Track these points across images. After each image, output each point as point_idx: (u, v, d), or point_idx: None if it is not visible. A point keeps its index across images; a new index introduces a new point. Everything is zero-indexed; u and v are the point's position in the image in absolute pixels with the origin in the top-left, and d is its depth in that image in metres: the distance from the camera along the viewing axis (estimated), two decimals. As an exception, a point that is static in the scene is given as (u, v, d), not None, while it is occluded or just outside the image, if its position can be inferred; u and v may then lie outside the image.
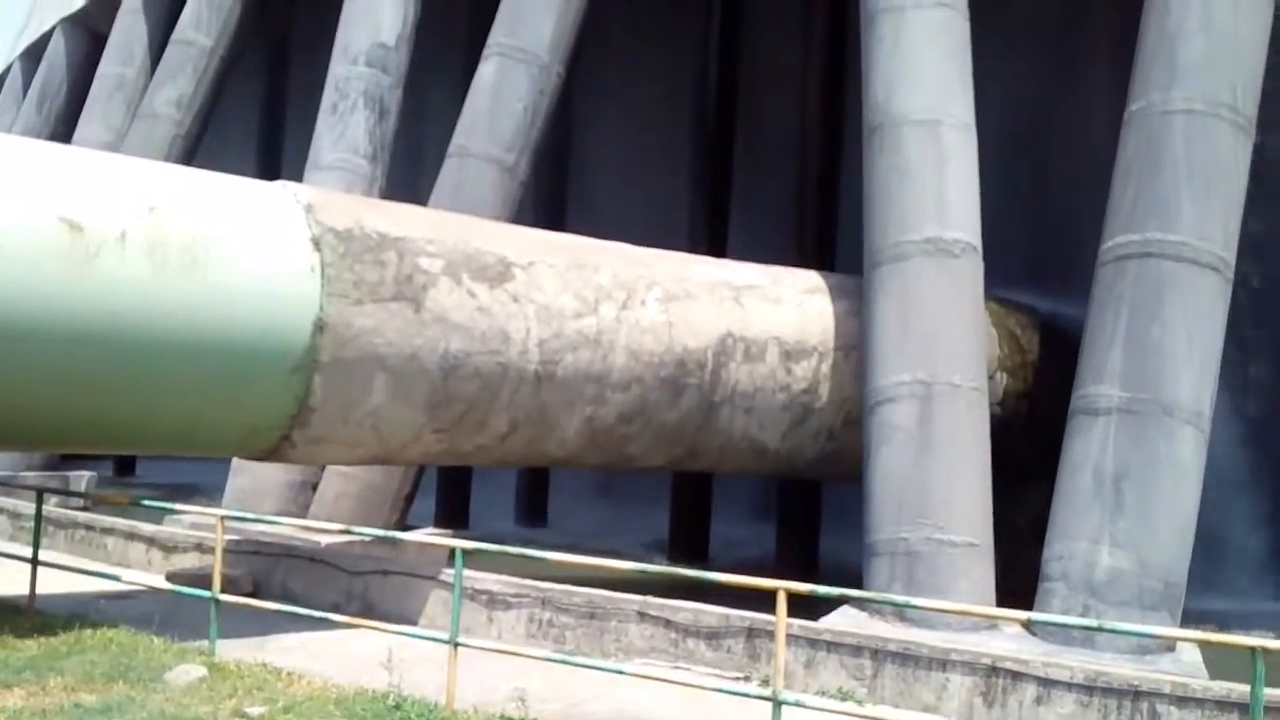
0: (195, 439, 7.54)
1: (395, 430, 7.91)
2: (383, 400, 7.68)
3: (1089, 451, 8.00)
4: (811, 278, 10.43)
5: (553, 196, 16.84)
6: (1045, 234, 13.43)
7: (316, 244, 7.43)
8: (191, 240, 7.02)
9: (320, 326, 7.32)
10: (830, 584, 8.06)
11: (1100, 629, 6.31)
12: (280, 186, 7.84)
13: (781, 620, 5.11)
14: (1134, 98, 8.75)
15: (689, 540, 13.86)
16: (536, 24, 12.01)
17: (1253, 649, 4.41)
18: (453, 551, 6.53)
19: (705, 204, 14.37)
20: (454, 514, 15.65)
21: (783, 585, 5.13)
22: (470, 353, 7.98)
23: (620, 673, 6.11)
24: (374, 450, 8.08)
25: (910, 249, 8.93)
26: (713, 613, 7.33)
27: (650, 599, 7.62)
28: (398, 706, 6.04)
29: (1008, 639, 7.88)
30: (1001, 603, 8.47)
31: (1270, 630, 10.69)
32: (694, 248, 13.07)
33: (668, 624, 7.49)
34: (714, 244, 13.61)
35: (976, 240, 9.11)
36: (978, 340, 8.94)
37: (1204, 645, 5.18)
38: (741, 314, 9.65)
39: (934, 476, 8.38)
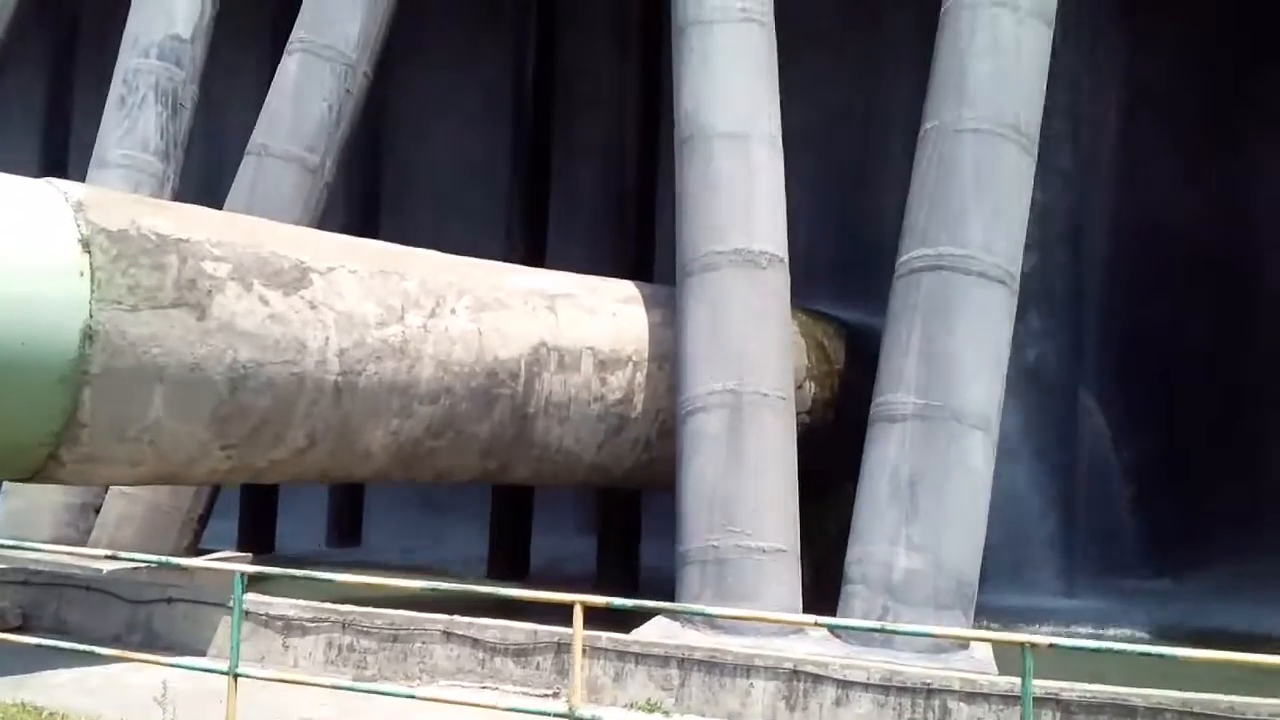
0: (-59, 459, 6.80)
1: (177, 447, 7.37)
2: (162, 414, 7.13)
3: (886, 457, 8.25)
4: (627, 288, 10.41)
5: (366, 201, 16.34)
6: (852, 247, 13.95)
7: (86, 245, 6.83)
8: (-61, 240, 6.33)
9: (89, 335, 6.73)
10: (651, 595, 8.08)
11: (883, 630, 6.48)
12: (45, 183, 7.19)
13: (578, 635, 4.98)
14: (928, 116, 9.13)
15: (509, 556, 13.62)
16: (342, 21, 11.54)
17: (1022, 645, 4.58)
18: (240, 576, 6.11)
19: (523, 212, 14.20)
20: (258, 536, 14.87)
21: (579, 599, 5.00)
22: (262, 363, 7.53)
23: (413, 697, 5.84)
24: (155, 469, 7.50)
25: (719, 259, 9.02)
26: (519, 629, 7.13)
27: (456, 618, 7.35)
28: (169, 746, 5.59)
29: (813, 643, 8.01)
30: (814, 607, 8.63)
31: (1057, 625, 11.38)
32: (511, 257, 12.89)
33: (474, 643, 7.24)
34: (532, 253, 13.48)
35: (783, 252, 9.29)
36: (784, 350, 9.11)
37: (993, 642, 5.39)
38: (555, 323, 9.52)
39: (743, 484, 8.47)
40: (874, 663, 6.49)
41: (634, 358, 9.90)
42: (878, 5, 14.14)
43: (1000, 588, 11.77)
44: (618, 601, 5.26)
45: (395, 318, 8.39)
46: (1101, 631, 11.14)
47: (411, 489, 17.03)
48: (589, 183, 14.65)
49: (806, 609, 8.73)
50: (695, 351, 8.95)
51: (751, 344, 8.79)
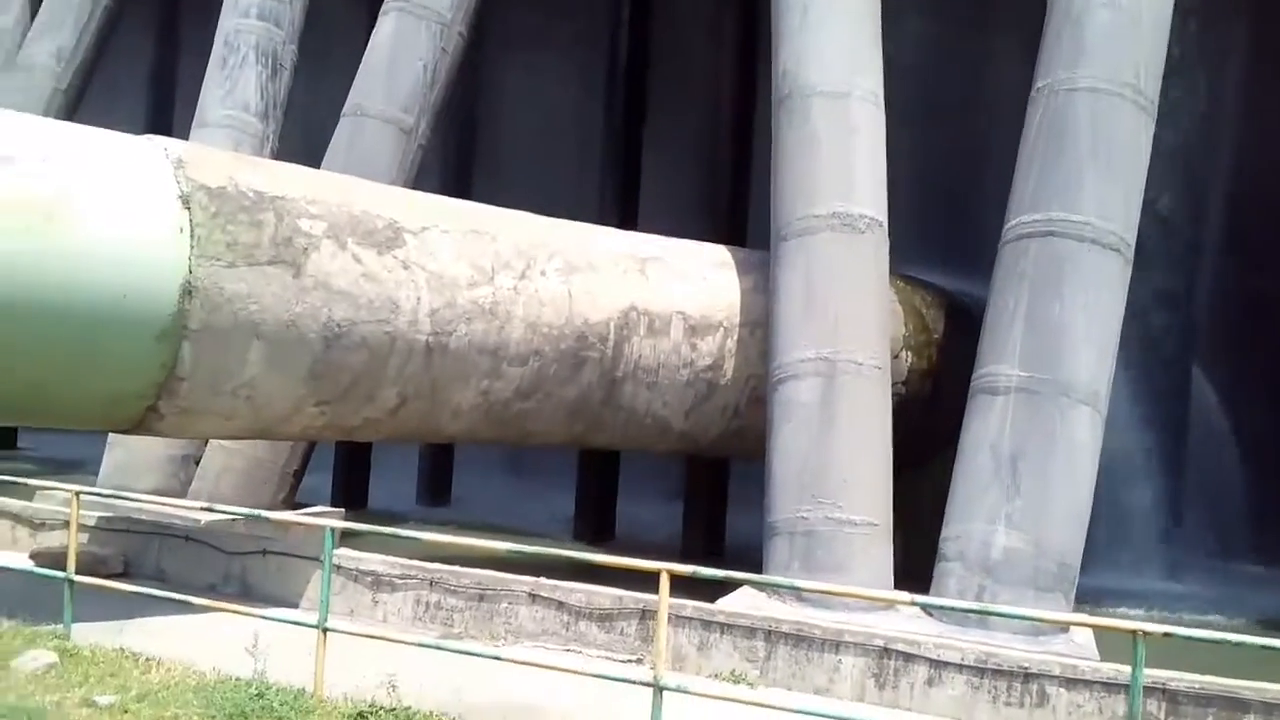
0: (48, 408, 7.00)
1: (272, 402, 7.46)
2: (258, 370, 7.22)
3: (987, 431, 7.94)
4: (719, 252, 10.21)
5: (460, 163, 16.36)
6: (955, 213, 13.45)
7: (186, 202, 6.92)
8: (49, 196, 6.47)
9: (189, 291, 6.83)
10: (737, 565, 7.98)
11: (980, 611, 6.22)
12: (147, 140, 7.29)
13: (664, 603, 4.88)
14: (1039, 75, 8.67)
15: (595, 520, 13.63)
16: (440, -20, 11.51)
17: (1134, 632, 4.32)
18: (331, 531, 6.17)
19: (616, 175, 14.03)
20: (351, 492, 15.15)
21: (665, 566, 4.89)
22: (355, 321, 7.56)
23: (498, 659, 5.82)
24: (250, 423, 7.62)
25: (816, 223, 8.75)
26: (605, 594, 7.08)
27: (542, 580, 7.34)
28: (260, 694, 5.68)
29: (904, 620, 7.79)
30: (905, 583, 8.41)
31: (1160, 608, 10.91)
32: (604, 220, 12.75)
33: (560, 606, 7.22)
34: (624, 216, 13.33)
35: (883, 216, 8.97)
36: (882, 318, 8.82)
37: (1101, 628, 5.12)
38: (646, 287, 9.39)
39: (835, 455, 8.25)
40: (969, 643, 6.25)
41: (725, 323, 9.72)
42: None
43: (1101, 568, 11.34)
44: (705, 571, 5.15)
45: (486, 279, 8.35)
46: (1208, 619, 10.64)
47: (500, 452, 17.19)
48: (683, 146, 14.39)
49: (898, 585, 8.49)
50: (788, 318, 8.72)
51: (847, 311, 8.52)
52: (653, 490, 14.43)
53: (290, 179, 7.72)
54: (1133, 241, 8.26)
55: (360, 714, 5.57)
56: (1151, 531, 12.67)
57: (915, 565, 8.51)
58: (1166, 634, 4.38)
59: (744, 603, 7.85)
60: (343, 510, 11.57)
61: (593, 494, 13.65)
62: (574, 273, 8.95)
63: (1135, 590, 11.44)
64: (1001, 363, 8.07)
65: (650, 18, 14.24)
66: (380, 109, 11.23)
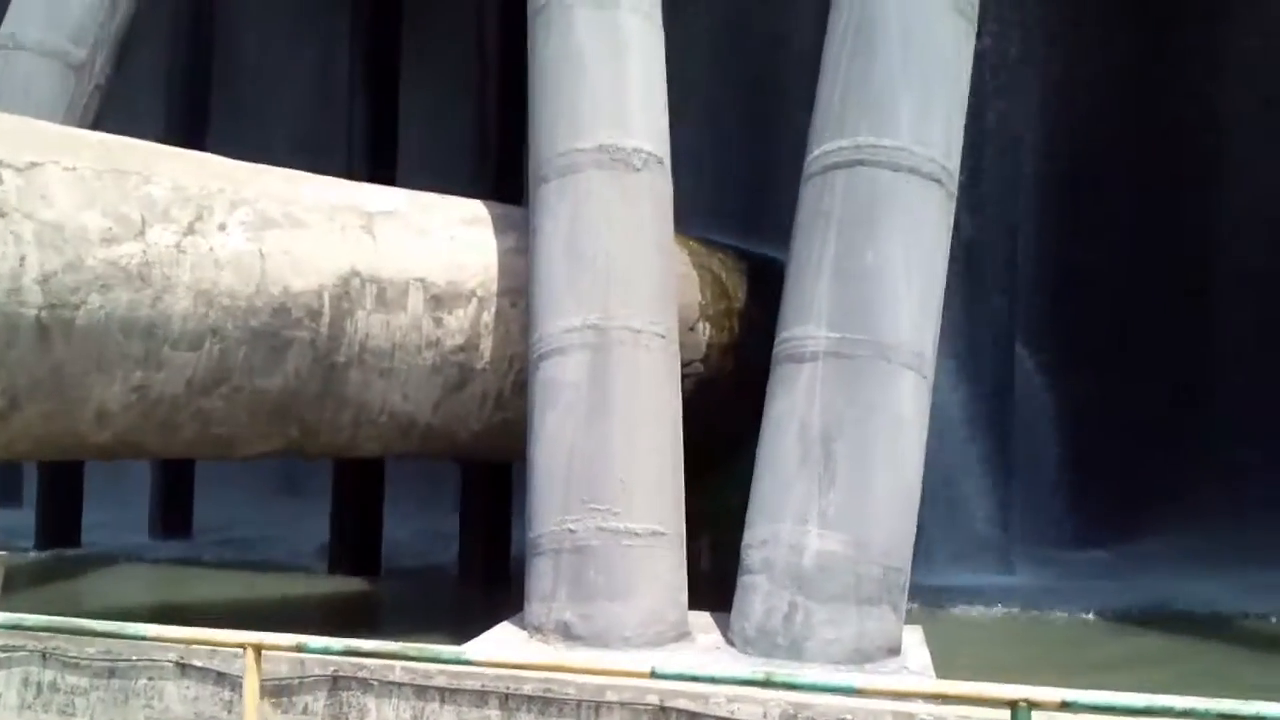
0: None
1: None
2: None
3: (792, 408, 6.35)
4: (472, 206, 8.29)
5: (189, 118, 13.80)
6: (764, 175, 12.03)
7: None
8: None
9: None
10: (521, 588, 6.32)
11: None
12: None
13: (252, 682, 2.98)
14: (842, -23, 7.22)
15: (354, 546, 11.44)
16: (116, -117, 9.19)
17: (1013, 703, 2.70)
18: None
19: (366, 137, 11.87)
20: (61, 527, 12.43)
21: (255, 640, 3.00)
22: (-92, 288, 5.28)
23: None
24: None
25: (580, 159, 6.96)
26: (283, 659, 5.04)
27: (198, 645, 5.23)
28: None
29: (700, 653, 6.12)
30: (713, 601, 6.78)
31: (1002, 605, 9.74)
32: (353, 174, 10.66)
33: (219, 677, 5.13)
34: (380, 171, 11.19)
35: (664, 152, 7.26)
36: (665, 275, 7.10)
37: (953, 698, 3.51)
38: (373, 248, 7.38)
39: (609, 448, 6.47)
40: (774, 694, 4.56)
41: (479, 292, 7.81)
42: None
43: (929, 562, 10.12)
44: (313, 640, 3.25)
45: (133, 233, 6.17)
46: (1051, 616, 9.50)
47: (272, 467, 14.79)
48: (448, 90, 12.40)
49: (704, 604, 6.86)
50: (549, 278, 6.90)
51: (620, 266, 6.77)
52: (441, 501, 12.38)
53: None
54: (956, 170, 6.86)
55: None
56: (979, 520, 11.58)
57: (725, 577, 6.86)
58: (1063, 704, 2.80)
59: (494, 646, 6.00)
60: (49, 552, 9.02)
61: (351, 514, 11.47)
62: (269, 228, 6.86)
63: (968, 586, 10.23)
64: (807, 323, 6.49)
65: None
66: (39, 39, 8.82)
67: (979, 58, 7.51)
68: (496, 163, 10.99)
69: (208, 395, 6.67)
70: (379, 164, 11.45)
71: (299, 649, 3.28)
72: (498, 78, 11.05)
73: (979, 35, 7.33)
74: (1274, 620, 9.38)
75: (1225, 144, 13.30)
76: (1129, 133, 13.80)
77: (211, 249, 6.51)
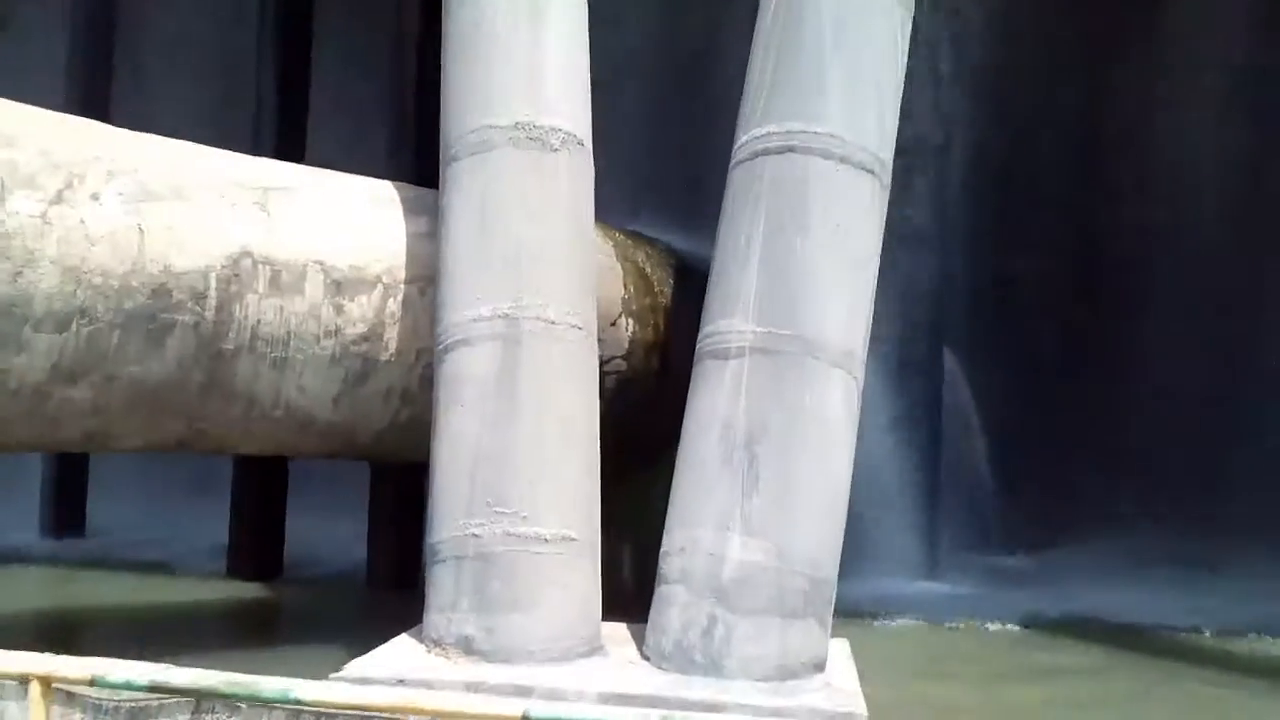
0: None
1: None
2: None
3: (715, 407, 5.95)
4: (379, 187, 7.75)
5: (89, 75, 12.98)
6: (695, 167, 11.64)
7: None
8: None
9: None
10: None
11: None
12: None
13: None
14: (774, -42, 6.86)
15: (255, 548, 10.78)
16: None
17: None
18: None
19: (275, 115, 11.20)
20: (-66, 524, 11.55)
21: (42, 673, 2.49)
22: None
23: None
24: None
25: (494, 136, 6.48)
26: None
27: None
28: None
29: (614, 669, 5.70)
30: (631, 611, 6.36)
31: (924, 617, 9.51)
32: (259, 150, 10.02)
33: (69, 698, 4.53)
34: (287, 147, 10.55)
35: (584, 133, 6.82)
36: (583, 262, 6.65)
37: None
38: (267, 227, 6.81)
39: (518, 447, 6.01)
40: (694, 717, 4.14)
41: (384, 278, 7.29)
42: None
43: (852, 569, 9.86)
44: (116, 673, 2.74)
45: (-12, 200, 5.55)
46: (982, 627, 9.28)
47: (187, 461, 14.01)
48: (361, 78, 11.82)
49: (625, 615, 6.45)
50: (456, 263, 6.42)
51: (534, 251, 6.31)
52: (336, 499, 11.75)
53: None
54: (889, 161, 6.53)
55: None
56: (905, 525, 11.34)
57: (648, 586, 6.45)
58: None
59: (388, 663, 5.50)
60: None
61: (250, 512, 10.81)
62: (149, 200, 6.26)
63: (894, 595, 9.97)
64: (733, 316, 6.11)
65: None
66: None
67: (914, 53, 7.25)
68: (415, 142, 10.42)
69: (74, 383, 6.05)
70: (287, 140, 10.81)
71: (93, 683, 2.76)
72: (415, 51, 10.48)
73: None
74: (1208, 634, 9.30)
75: (1161, 150, 13.31)
76: (1064, 135, 13.74)
77: (82, 221, 5.91)
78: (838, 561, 5.96)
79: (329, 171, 7.62)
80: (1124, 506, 13.14)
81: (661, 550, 6.04)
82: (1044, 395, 13.53)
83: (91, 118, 6.98)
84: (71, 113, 6.99)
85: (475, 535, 5.86)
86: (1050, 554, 12.56)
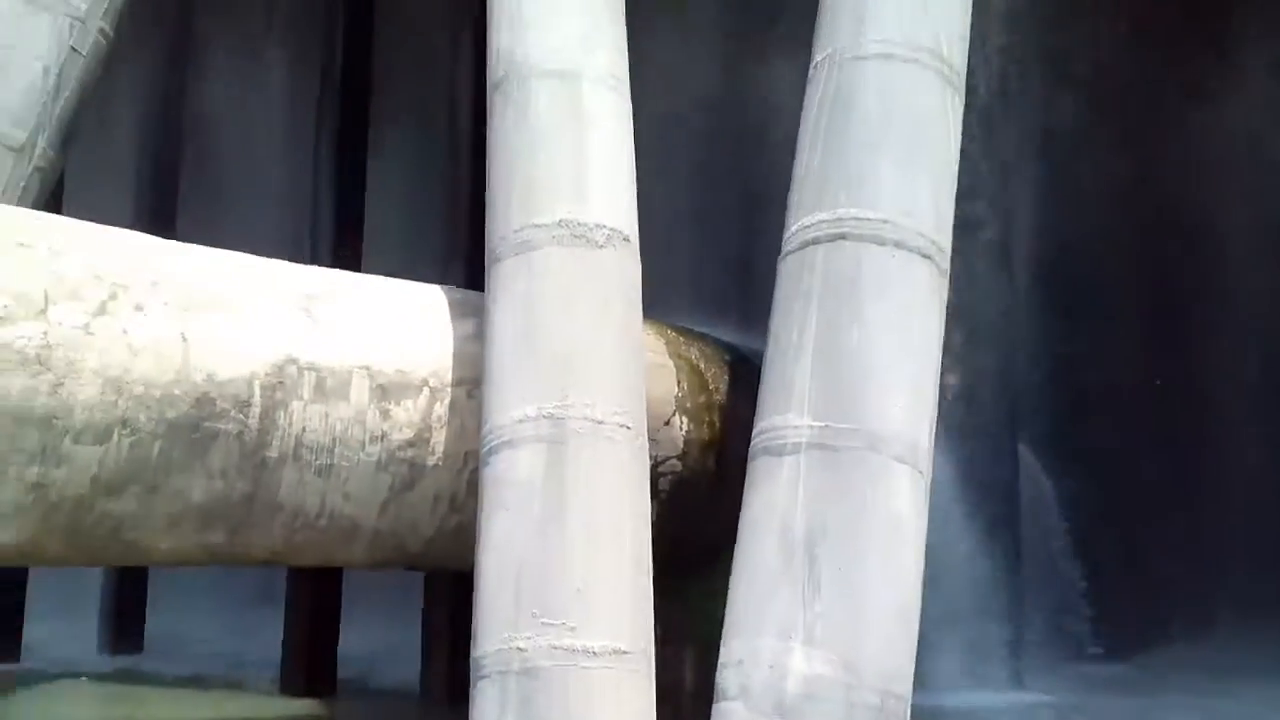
0: None
1: None
2: None
3: (773, 506, 5.63)
4: (428, 291, 7.67)
5: (159, 200, 13.44)
6: (747, 259, 11.53)
7: None
8: None
9: None
10: None
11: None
12: None
13: None
14: (818, 48, 6.73)
15: (311, 661, 10.53)
16: (69, -39, 8.89)
17: None
18: None
19: (333, 219, 11.39)
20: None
21: None
22: None
23: None
24: None
25: (538, 235, 6.39)
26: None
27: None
28: None
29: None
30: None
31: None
32: (317, 255, 10.15)
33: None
34: (344, 251, 10.68)
35: (630, 229, 6.70)
36: (632, 360, 6.44)
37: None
38: (313, 332, 6.74)
39: (566, 554, 5.72)
40: None
41: (431, 382, 7.14)
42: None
43: (929, 679, 9.25)
44: None
45: (32, 312, 5.55)
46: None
47: (246, 573, 13.93)
48: (416, 183, 12.03)
49: (681, 729, 6.05)
50: (502, 362, 6.26)
51: (581, 349, 6.13)
52: (392, 611, 11.49)
53: None
54: (947, 246, 6.28)
55: None
56: (988, 630, 10.70)
57: (703, 702, 6.04)
58: None
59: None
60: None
61: (302, 625, 10.59)
62: (193, 309, 6.24)
63: (979, 706, 9.32)
64: (788, 411, 5.83)
65: (372, 33, 11.91)
66: (-23, 119, 8.39)
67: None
68: (467, 246, 10.47)
69: (116, 496, 5.95)
70: (343, 244, 10.97)
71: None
72: (470, 157, 10.62)
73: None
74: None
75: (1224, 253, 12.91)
76: (1130, 229, 13.42)
77: (125, 331, 5.88)
78: (911, 673, 5.50)
79: (376, 277, 7.59)
80: (1221, 608, 12.37)
81: (719, 662, 5.65)
82: (1130, 489, 12.93)
83: (159, 227, 7.13)
84: (142, 217, 7.17)
85: (520, 649, 5.54)
86: (1136, 660, 11.78)
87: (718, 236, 12.17)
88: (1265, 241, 13.31)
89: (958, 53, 6.65)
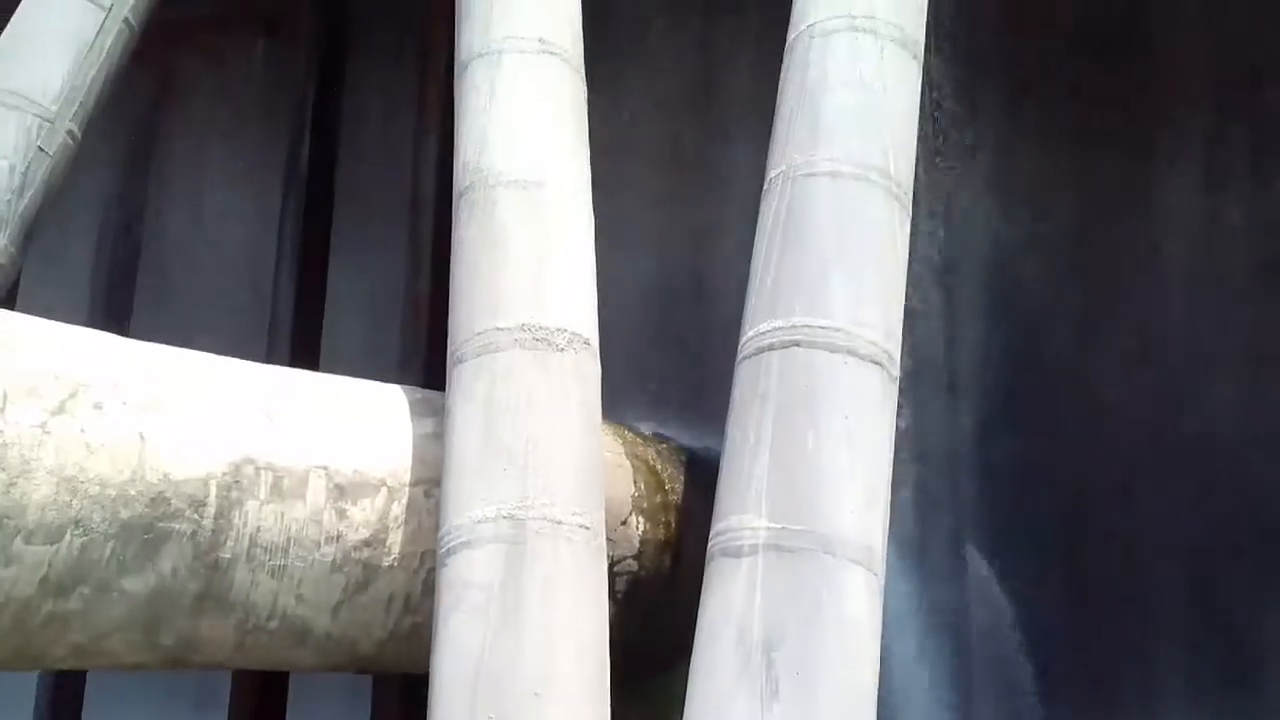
0: None
1: None
2: None
3: (729, 609, 5.65)
4: (388, 391, 7.74)
5: (115, 299, 13.44)
6: (702, 365, 11.72)
7: None
8: None
9: None
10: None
11: None
12: None
13: None
14: (772, 163, 7.03)
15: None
16: (41, 66, 9.05)
17: None
18: None
19: (293, 318, 11.48)
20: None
21: None
22: None
23: None
24: None
25: (500, 339, 6.52)
26: None
27: None
28: None
29: None
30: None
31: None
32: (274, 356, 10.17)
33: None
34: (302, 352, 10.72)
35: (591, 333, 6.87)
36: (591, 461, 6.53)
37: None
38: (270, 432, 6.75)
39: (522, 657, 5.68)
40: None
41: (389, 481, 7.16)
42: (713, 74, 12.37)
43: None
44: None
45: (-11, 411, 5.53)
46: None
47: (175, 673, 13.48)
48: (377, 283, 12.15)
49: None
50: (462, 463, 6.30)
51: (541, 450, 6.20)
52: (336, 712, 11.16)
53: None
54: (896, 354, 6.49)
55: None
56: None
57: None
58: None
59: None
60: None
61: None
62: (153, 409, 6.23)
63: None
64: (745, 512, 5.90)
65: (338, 140, 12.19)
66: (-60, 217, 8.41)
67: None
68: (426, 349, 10.58)
69: (64, 597, 5.84)
70: (302, 344, 11.03)
71: None
72: (431, 263, 10.81)
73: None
74: None
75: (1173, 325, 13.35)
76: (1074, 315, 13.77)
77: (83, 430, 5.86)
78: (869, 780, 5.50)
79: (335, 376, 7.65)
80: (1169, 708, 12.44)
81: (676, 771, 5.61)
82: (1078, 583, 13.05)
83: (114, 323, 7.16)
84: (97, 318, 7.20)
85: (475, 758, 5.47)
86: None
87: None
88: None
89: (905, 171, 6.98)
